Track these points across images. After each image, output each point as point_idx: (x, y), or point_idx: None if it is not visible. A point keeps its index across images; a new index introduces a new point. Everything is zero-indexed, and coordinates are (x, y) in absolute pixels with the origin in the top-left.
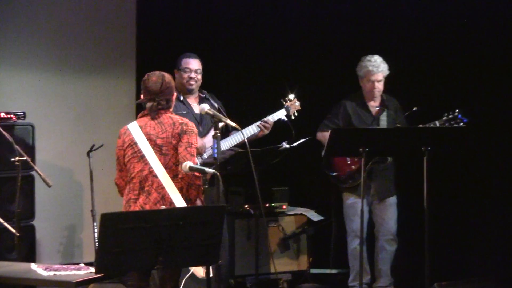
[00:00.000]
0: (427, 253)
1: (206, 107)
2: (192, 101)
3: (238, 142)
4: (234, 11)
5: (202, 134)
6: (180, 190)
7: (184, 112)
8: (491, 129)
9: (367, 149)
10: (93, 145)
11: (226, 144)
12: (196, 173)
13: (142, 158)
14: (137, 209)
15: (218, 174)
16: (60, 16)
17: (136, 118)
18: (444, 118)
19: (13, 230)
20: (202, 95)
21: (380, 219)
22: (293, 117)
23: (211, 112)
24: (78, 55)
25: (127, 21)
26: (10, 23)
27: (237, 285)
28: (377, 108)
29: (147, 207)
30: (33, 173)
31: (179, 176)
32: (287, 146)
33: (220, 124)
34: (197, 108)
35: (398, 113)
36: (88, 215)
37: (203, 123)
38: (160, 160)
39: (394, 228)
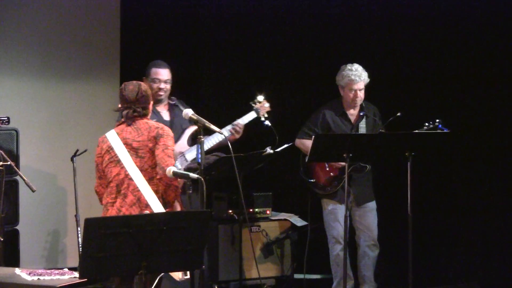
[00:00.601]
0: (411, 258)
1: (190, 112)
2: (161, 108)
3: (213, 145)
4: (218, 13)
5: (174, 141)
6: (156, 192)
7: (154, 120)
8: (473, 135)
9: (351, 155)
10: (77, 150)
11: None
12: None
13: (118, 162)
14: (114, 212)
15: (202, 179)
16: (44, 22)
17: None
18: (425, 128)
19: None
20: (171, 102)
21: (360, 225)
22: (263, 119)
23: (195, 117)
24: (62, 60)
25: (111, 26)
26: None
27: None
28: (361, 114)
29: (124, 210)
30: (17, 178)
31: (157, 177)
32: (271, 151)
33: (191, 130)
34: (166, 115)
35: (377, 120)
36: (72, 220)
37: (174, 129)
38: (136, 163)
39: (375, 233)
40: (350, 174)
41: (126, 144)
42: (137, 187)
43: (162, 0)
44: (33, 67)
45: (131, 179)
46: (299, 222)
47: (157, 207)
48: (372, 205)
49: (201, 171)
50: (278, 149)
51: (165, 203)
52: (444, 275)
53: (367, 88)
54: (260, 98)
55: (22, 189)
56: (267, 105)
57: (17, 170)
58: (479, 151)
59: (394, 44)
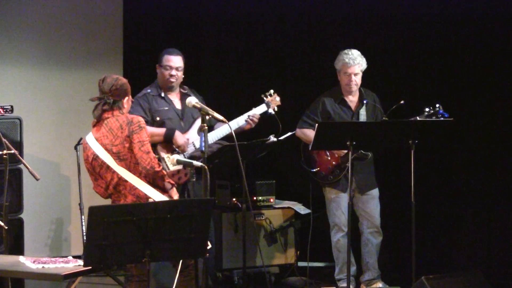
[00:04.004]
0: (414, 246)
1: (193, 100)
2: (174, 97)
3: (224, 135)
4: (221, 6)
5: (184, 130)
6: (149, 183)
7: (166, 108)
8: (476, 122)
9: (354, 143)
10: (81, 139)
11: (211, 137)
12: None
13: (108, 168)
14: None
15: (206, 167)
16: (47, 11)
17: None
18: (426, 113)
19: (1, 223)
20: (183, 91)
21: (363, 212)
22: (273, 113)
23: (199, 106)
24: (65, 49)
25: (114, 15)
26: None
27: (224, 279)
28: (364, 101)
29: None
30: (21, 166)
31: (142, 175)
32: (274, 139)
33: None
34: (178, 103)
35: (377, 107)
36: (75, 208)
37: (185, 118)
38: (121, 165)
39: (378, 220)
40: (352, 162)
41: (107, 150)
42: (133, 186)
43: None
44: (36, 56)
45: (124, 180)
46: (302, 210)
47: (158, 197)
48: (375, 192)
49: (205, 159)
50: (282, 137)
51: (162, 192)
52: (447, 263)
53: (367, 75)
54: (271, 91)
55: (26, 178)
56: (278, 98)
57: (21, 158)
58: (482, 138)
59: (393, 30)
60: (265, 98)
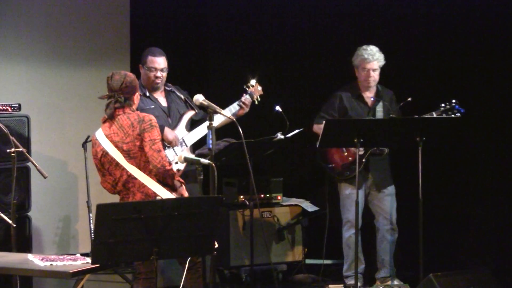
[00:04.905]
0: (421, 243)
1: (200, 98)
2: (158, 95)
3: (217, 124)
4: (227, 3)
5: (172, 126)
6: (159, 181)
7: (152, 106)
8: (486, 120)
9: (361, 140)
10: (88, 136)
11: (202, 130)
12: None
13: (117, 165)
14: None
15: (213, 165)
16: (55, 8)
17: None
18: (441, 108)
19: (9, 221)
20: (168, 88)
21: (379, 209)
22: (256, 102)
23: (206, 103)
24: (72, 47)
25: (121, 13)
26: (4, 15)
27: (232, 276)
28: (372, 99)
29: None
30: (29, 164)
31: (152, 174)
32: (282, 137)
33: (189, 114)
34: (164, 101)
35: (393, 104)
36: (83, 206)
37: (172, 115)
38: (131, 163)
39: (394, 217)
40: (368, 158)
41: (117, 147)
42: (142, 184)
43: None
44: (44, 54)
45: (134, 178)
46: (310, 207)
47: (167, 195)
48: (391, 189)
49: (212, 157)
50: (289, 135)
51: (172, 190)
52: (455, 260)
53: (384, 71)
54: (253, 82)
55: (34, 176)
56: (259, 88)
57: (29, 156)
58: (492, 135)
59: (411, 26)
60: (247, 89)
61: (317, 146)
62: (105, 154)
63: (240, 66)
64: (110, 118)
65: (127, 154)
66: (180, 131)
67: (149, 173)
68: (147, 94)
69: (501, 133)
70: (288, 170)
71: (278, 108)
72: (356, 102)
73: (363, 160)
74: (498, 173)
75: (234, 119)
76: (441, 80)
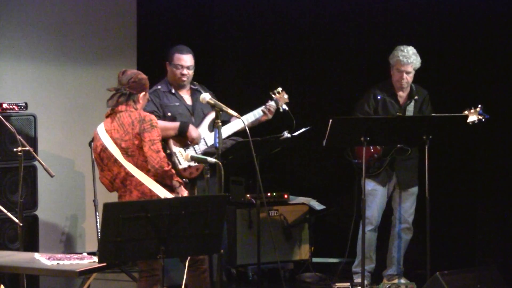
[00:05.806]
0: (428, 242)
1: (207, 96)
2: (184, 93)
3: (237, 129)
4: (234, 3)
5: (196, 125)
6: (157, 181)
7: (177, 103)
8: (494, 118)
9: (368, 138)
10: None
11: (225, 132)
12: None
13: (116, 161)
14: None
15: (220, 163)
16: (61, 7)
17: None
18: (466, 113)
19: (16, 220)
20: (193, 87)
21: (399, 207)
22: (281, 110)
23: (213, 102)
24: (79, 45)
25: (127, 12)
26: (11, 14)
27: (239, 275)
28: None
29: None
30: (36, 163)
31: (150, 174)
32: (288, 135)
33: (213, 115)
34: (189, 99)
35: (425, 105)
36: (90, 205)
37: (195, 114)
38: (129, 161)
39: (412, 218)
40: (393, 156)
41: (116, 144)
42: (139, 182)
43: None
44: (50, 53)
45: (131, 176)
46: (317, 206)
47: (164, 194)
48: (415, 189)
49: (219, 155)
50: (296, 133)
51: (171, 190)
52: (462, 259)
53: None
54: (279, 89)
55: (41, 175)
56: (286, 96)
57: (36, 155)
58: (499, 132)
59: (441, 29)
60: (273, 95)
61: (323, 145)
62: (104, 149)
63: (246, 65)
64: (112, 109)
65: (125, 152)
66: (202, 131)
67: (146, 172)
68: (173, 91)
69: (508, 131)
70: (295, 168)
71: (285, 106)
72: (388, 100)
73: (388, 158)
74: (505, 171)
75: (240, 117)
76: (467, 84)
